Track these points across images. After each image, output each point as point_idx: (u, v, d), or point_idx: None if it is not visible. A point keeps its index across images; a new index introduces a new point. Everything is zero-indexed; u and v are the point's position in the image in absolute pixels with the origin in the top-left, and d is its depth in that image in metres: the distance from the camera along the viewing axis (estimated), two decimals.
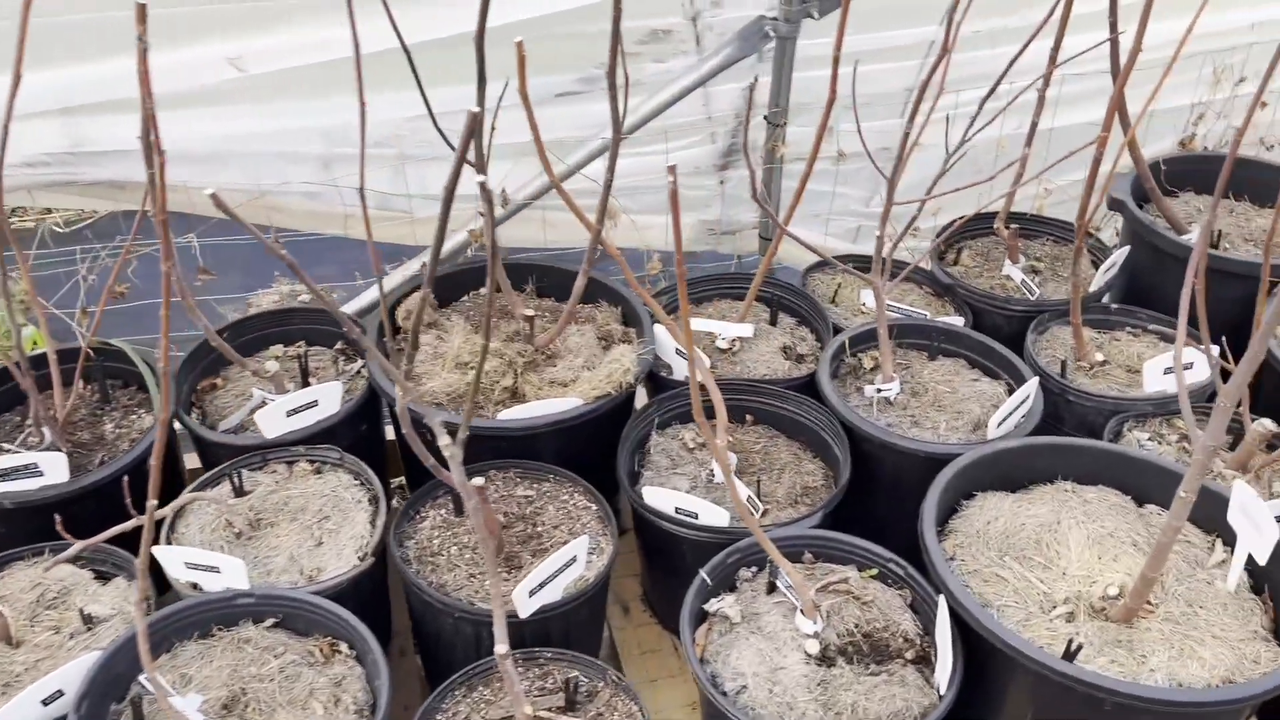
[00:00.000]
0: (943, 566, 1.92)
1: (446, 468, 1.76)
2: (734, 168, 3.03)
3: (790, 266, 3.31)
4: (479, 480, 2.09)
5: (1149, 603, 1.96)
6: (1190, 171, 3.23)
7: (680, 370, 2.59)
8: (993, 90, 2.57)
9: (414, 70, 2.12)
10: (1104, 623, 1.91)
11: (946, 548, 2.06)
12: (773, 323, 2.81)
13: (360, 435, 2.50)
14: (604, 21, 2.65)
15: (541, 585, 1.96)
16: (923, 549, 1.98)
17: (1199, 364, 2.52)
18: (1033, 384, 2.37)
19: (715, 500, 2.32)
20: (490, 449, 2.36)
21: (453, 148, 2.27)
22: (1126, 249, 2.85)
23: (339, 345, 2.68)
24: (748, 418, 2.54)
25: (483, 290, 2.81)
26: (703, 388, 2.51)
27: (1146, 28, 2.29)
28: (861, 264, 3.10)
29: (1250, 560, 1.97)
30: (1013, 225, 2.99)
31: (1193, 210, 3.14)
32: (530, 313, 2.49)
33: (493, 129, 2.32)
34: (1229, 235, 3.02)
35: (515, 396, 2.46)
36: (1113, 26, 2.51)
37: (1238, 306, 2.71)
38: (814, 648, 1.91)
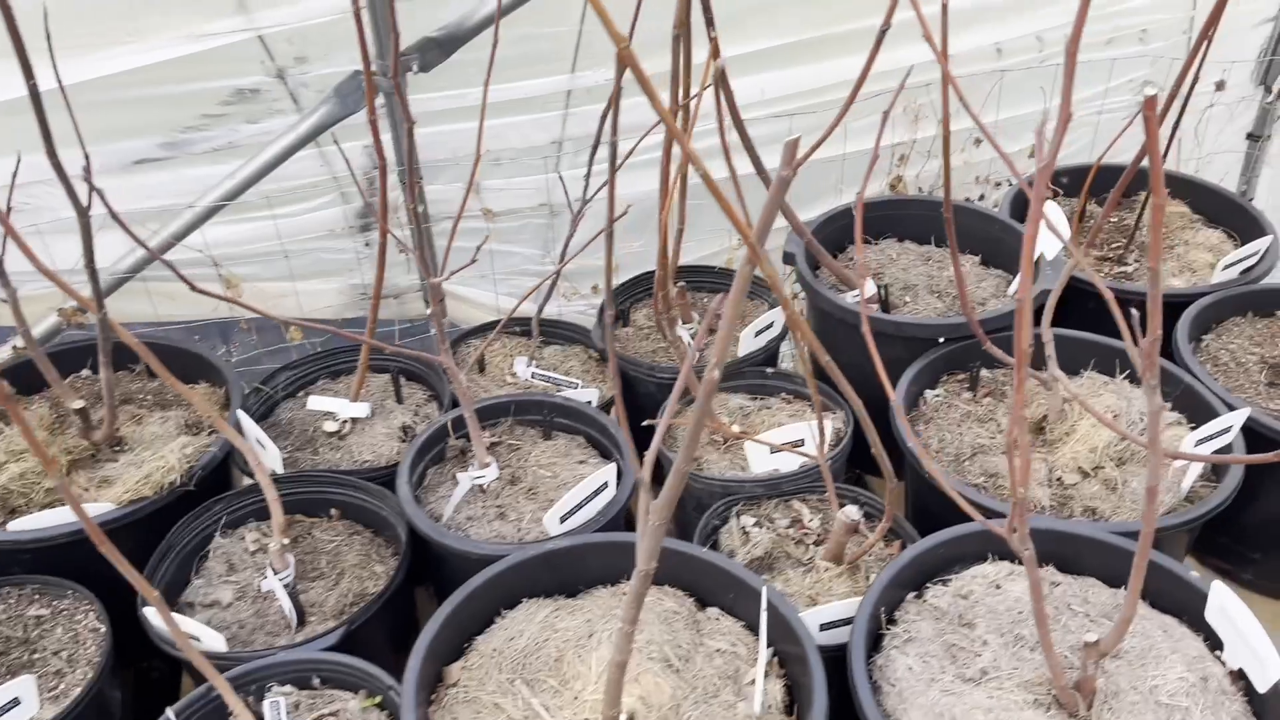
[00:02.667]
0: (409, 699, 1.69)
1: None
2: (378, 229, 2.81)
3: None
4: None
5: None
6: (894, 216, 3.04)
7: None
8: (592, 155, 2.39)
9: None
10: None
11: (454, 671, 1.83)
12: (398, 399, 2.58)
13: None
14: (179, 84, 2.45)
15: None
16: (404, 679, 1.75)
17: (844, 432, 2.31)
18: (610, 469, 2.14)
19: (259, 613, 2.10)
20: (13, 561, 2.12)
21: None
22: (778, 310, 2.65)
23: None
24: (333, 512, 2.31)
25: (84, 372, 2.59)
26: (304, 478, 2.30)
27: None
28: (523, 327, 2.88)
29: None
30: (680, 283, 2.77)
31: (886, 259, 2.94)
32: (79, 404, 2.26)
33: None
34: (915, 288, 2.81)
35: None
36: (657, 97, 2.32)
37: (901, 367, 2.51)
38: None
